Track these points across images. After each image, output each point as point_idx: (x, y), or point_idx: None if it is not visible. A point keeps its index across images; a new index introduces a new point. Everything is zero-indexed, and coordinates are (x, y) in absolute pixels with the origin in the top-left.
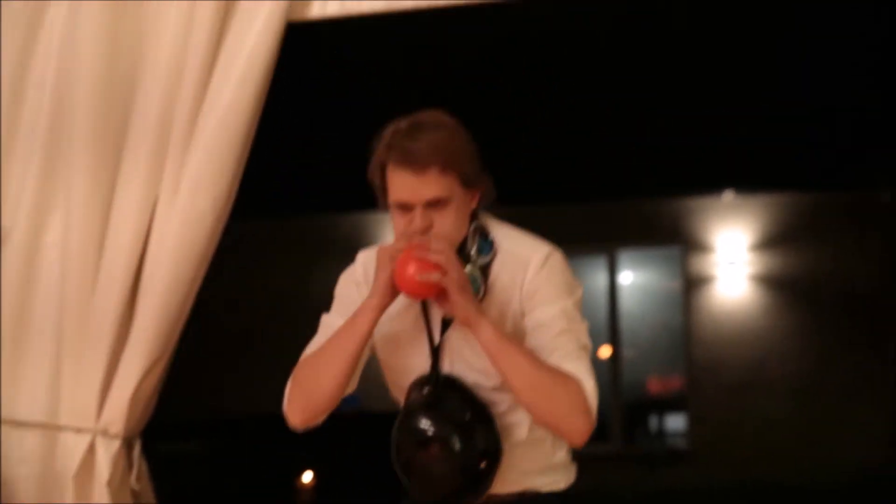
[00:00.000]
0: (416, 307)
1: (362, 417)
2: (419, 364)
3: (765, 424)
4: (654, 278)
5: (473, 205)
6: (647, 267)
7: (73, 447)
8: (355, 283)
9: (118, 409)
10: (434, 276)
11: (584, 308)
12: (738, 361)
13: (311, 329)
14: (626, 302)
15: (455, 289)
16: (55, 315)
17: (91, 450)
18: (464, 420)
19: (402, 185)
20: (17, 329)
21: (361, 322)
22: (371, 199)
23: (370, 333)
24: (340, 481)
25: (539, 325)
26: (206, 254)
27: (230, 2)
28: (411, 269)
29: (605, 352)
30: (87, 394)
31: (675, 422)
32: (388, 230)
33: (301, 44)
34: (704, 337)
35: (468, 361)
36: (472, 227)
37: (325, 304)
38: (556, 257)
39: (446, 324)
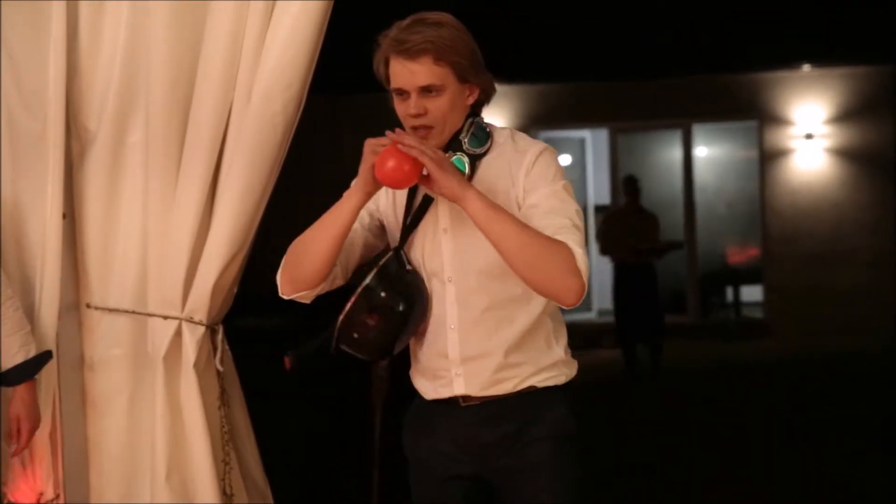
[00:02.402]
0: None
1: None
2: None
3: (840, 295)
4: (730, 151)
5: (471, 100)
6: (723, 141)
7: (161, 332)
8: None
9: (201, 299)
10: (413, 152)
11: (660, 181)
12: (814, 233)
13: None
14: (703, 175)
15: (434, 167)
16: (141, 210)
17: (178, 334)
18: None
19: (400, 72)
20: (105, 225)
21: (345, 204)
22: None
23: (354, 214)
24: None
25: (531, 207)
26: (279, 155)
27: None
28: (390, 164)
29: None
30: (172, 285)
31: (752, 293)
32: None
33: None
34: (781, 209)
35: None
36: (469, 121)
37: None
38: (552, 152)
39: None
